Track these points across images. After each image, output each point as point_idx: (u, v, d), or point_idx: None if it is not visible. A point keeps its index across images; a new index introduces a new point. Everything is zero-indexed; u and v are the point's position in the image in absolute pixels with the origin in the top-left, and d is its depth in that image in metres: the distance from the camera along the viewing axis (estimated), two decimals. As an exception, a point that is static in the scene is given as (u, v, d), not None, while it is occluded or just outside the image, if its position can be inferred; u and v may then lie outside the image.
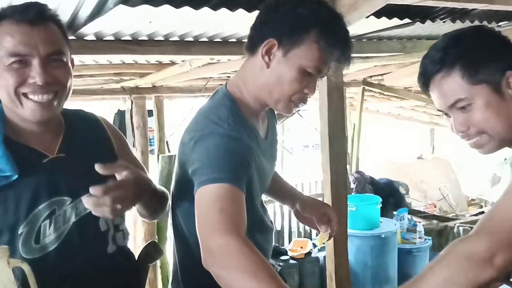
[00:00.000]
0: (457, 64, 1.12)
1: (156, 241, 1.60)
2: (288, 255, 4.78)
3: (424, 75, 1.19)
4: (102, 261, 1.31)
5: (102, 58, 3.62)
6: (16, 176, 1.19)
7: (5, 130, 1.23)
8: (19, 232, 1.20)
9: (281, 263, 4.52)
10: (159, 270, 4.97)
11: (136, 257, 1.49)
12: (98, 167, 1.15)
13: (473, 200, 7.37)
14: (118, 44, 2.80)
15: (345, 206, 2.51)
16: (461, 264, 0.99)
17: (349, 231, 4.51)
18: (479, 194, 7.53)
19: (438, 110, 1.22)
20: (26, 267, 1.11)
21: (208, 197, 1.16)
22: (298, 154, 13.31)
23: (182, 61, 3.80)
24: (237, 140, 1.26)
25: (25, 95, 1.19)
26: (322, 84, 2.45)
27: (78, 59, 3.61)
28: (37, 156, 1.25)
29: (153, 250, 1.53)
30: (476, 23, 2.93)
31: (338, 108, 2.40)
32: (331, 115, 2.37)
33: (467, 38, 1.17)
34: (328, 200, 2.48)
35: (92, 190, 1.10)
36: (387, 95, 6.67)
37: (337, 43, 1.28)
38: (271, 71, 1.31)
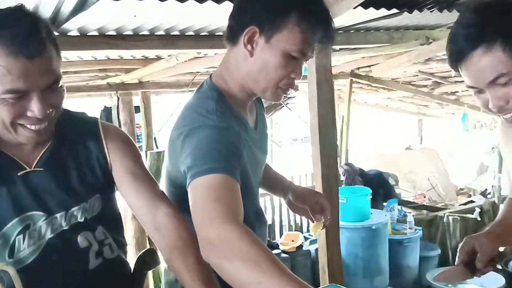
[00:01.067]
0: (498, 39, 1.08)
1: (154, 248, 1.55)
2: (279, 248, 4.78)
3: (459, 53, 1.13)
4: (83, 277, 1.25)
5: (87, 54, 3.57)
6: None
7: None
8: None
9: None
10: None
11: (133, 264, 1.43)
12: None
13: (461, 189, 7.42)
14: (103, 39, 2.75)
15: (336, 199, 2.50)
16: None
17: (340, 223, 4.53)
18: (467, 184, 7.58)
19: (469, 87, 1.18)
20: (11, 270, 1.09)
21: (203, 188, 1.13)
22: (287, 147, 13.32)
23: (168, 55, 3.76)
24: (228, 130, 1.24)
25: (21, 125, 1.14)
26: (311, 77, 2.43)
27: (62, 55, 3.55)
28: (14, 167, 1.19)
29: (150, 258, 1.46)
30: (464, 12, 2.93)
31: (328, 101, 2.39)
32: (321, 108, 2.35)
33: (500, 12, 1.11)
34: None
35: None
36: (375, 86, 6.67)
37: (319, 23, 1.27)
38: (255, 59, 1.28)
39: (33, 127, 1.14)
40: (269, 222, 5.66)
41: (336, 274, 2.37)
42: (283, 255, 4.70)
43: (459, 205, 5.82)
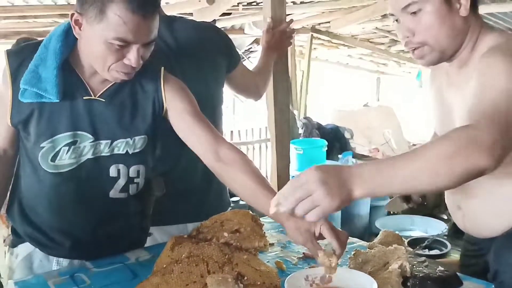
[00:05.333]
0: None
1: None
2: (238, 196, 4.94)
3: None
4: (101, 200, 1.45)
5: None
6: (57, 100, 1.34)
7: (69, 55, 1.36)
8: (41, 145, 1.37)
9: (232, 204, 4.67)
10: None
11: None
12: None
13: (414, 145, 7.75)
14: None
15: (287, 142, 2.64)
16: (465, 145, 0.96)
17: (296, 173, 4.74)
18: (420, 140, 7.91)
19: (390, 15, 1.30)
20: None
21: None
22: (249, 101, 13.35)
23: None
24: None
25: (115, 70, 1.31)
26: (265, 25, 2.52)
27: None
28: (82, 91, 1.38)
29: (155, 184, 1.64)
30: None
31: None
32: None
33: None
34: (272, 136, 2.60)
35: None
36: (335, 42, 6.81)
37: None
38: None
39: (124, 71, 1.32)
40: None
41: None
42: (242, 202, 4.87)
43: (410, 159, 6.09)
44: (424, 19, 1.21)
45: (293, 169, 4.71)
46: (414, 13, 1.21)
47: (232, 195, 5.14)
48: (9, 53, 1.38)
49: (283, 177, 2.65)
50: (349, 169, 0.99)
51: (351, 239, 1.60)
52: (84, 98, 1.38)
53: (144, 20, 1.25)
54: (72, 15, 1.31)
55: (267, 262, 1.38)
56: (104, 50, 1.27)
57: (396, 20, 1.28)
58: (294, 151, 4.73)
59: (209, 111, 1.78)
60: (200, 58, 1.80)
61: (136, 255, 1.50)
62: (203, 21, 2.04)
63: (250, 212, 1.51)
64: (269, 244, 1.51)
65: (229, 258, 1.24)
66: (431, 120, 1.62)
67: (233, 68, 1.92)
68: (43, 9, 3.84)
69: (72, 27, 1.32)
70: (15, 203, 1.50)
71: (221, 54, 1.87)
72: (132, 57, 1.28)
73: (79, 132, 1.38)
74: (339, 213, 4.92)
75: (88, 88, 1.39)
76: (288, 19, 2.43)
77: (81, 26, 1.29)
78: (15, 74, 1.35)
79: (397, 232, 1.66)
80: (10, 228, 1.56)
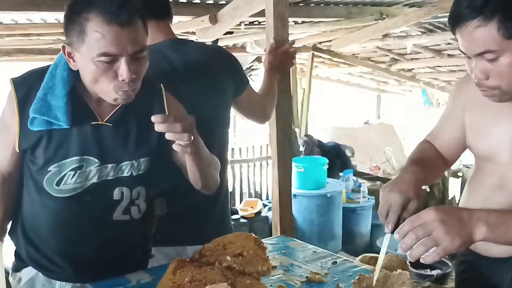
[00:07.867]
0: (496, 16, 1.09)
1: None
2: (239, 214, 4.95)
3: (458, 18, 1.14)
4: (105, 223, 1.44)
5: (51, 16, 3.57)
6: (67, 127, 1.35)
7: (75, 83, 1.36)
8: (49, 169, 1.37)
9: (232, 222, 4.66)
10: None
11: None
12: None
13: (415, 163, 7.73)
14: (66, 2, 2.77)
15: (289, 161, 2.64)
16: None
17: (297, 191, 4.74)
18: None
19: (461, 51, 1.20)
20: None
21: None
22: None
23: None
24: None
25: (114, 91, 1.30)
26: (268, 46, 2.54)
27: (25, 16, 3.55)
28: (90, 117, 1.38)
29: (157, 204, 1.65)
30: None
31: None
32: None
33: None
34: (274, 154, 2.60)
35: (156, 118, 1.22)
36: (335, 61, 6.85)
37: None
38: None
39: (122, 89, 1.29)
40: (230, 189, 5.82)
41: (287, 230, 2.52)
42: (242, 220, 4.88)
43: (411, 177, 6.08)
44: (501, 67, 1.14)
45: (294, 187, 4.72)
46: (491, 60, 1.14)
47: (233, 212, 5.14)
48: (14, 82, 1.37)
49: (285, 196, 2.65)
50: (469, 212, 1.07)
51: (354, 263, 1.58)
52: (92, 123, 1.39)
53: (121, 29, 1.22)
54: (64, 48, 1.30)
55: (270, 286, 1.36)
56: (96, 71, 1.25)
57: (468, 57, 1.20)
58: (295, 169, 4.73)
59: (214, 134, 1.78)
60: (208, 81, 1.80)
61: (137, 277, 1.49)
62: (213, 45, 2.02)
63: (253, 235, 1.50)
64: (272, 267, 1.49)
65: (232, 283, 1.22)
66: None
67: (241, 91, 1.90)
68: (46, 27, 3.85)
69: (68, 61, 1.32)
70: (18, 226, 1.49)
71: (229, 78, 1.86)
72: (123, 71, 1.25)
73: (86, 157, 1.38)
74: (340, 231, 4.93)
75: (96, 113, 1.39)
76: (289, 38, 2.44)
77: (73, 57, 1.29)
78: (23, 102, 1.34)
79: (399, 253, 1.64)
80: (14, 252, 1.54)
